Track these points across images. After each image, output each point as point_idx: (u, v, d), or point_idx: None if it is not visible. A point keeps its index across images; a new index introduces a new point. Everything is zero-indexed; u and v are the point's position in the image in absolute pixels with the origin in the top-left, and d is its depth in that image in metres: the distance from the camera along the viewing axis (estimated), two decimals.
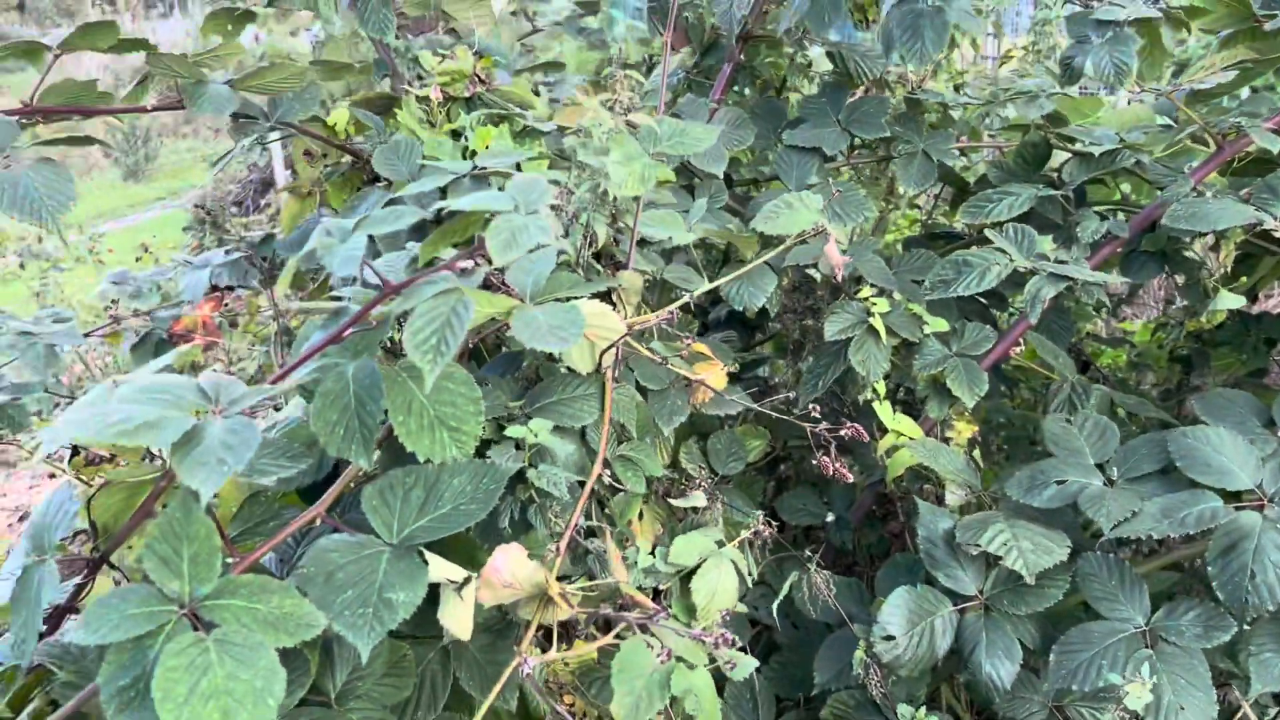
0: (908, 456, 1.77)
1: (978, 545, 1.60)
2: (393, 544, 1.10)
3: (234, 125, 1.64)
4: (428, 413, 1.13)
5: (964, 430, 1.87)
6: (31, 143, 1.52)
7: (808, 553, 1.73)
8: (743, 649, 1.83)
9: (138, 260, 4.00)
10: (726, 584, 1.22)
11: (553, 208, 1.29)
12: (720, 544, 1.27)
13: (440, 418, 1.13)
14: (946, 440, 1.86)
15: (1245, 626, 1.49)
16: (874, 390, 1.84)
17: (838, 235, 1.99)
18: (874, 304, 1.83)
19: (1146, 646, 1.52)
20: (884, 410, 1.82)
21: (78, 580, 1.15)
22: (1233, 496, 1.55)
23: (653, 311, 1.88)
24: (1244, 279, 2.06)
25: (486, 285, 1.33)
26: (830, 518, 1.96)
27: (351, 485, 1.24)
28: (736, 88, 2.13)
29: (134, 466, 1.18)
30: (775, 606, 1.67)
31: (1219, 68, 1.93)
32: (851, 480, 1.45)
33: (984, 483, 1.80)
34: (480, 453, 1.19)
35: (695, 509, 1.70)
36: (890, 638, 1.58)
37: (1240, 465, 1.57)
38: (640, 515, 1.72)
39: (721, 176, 1.93)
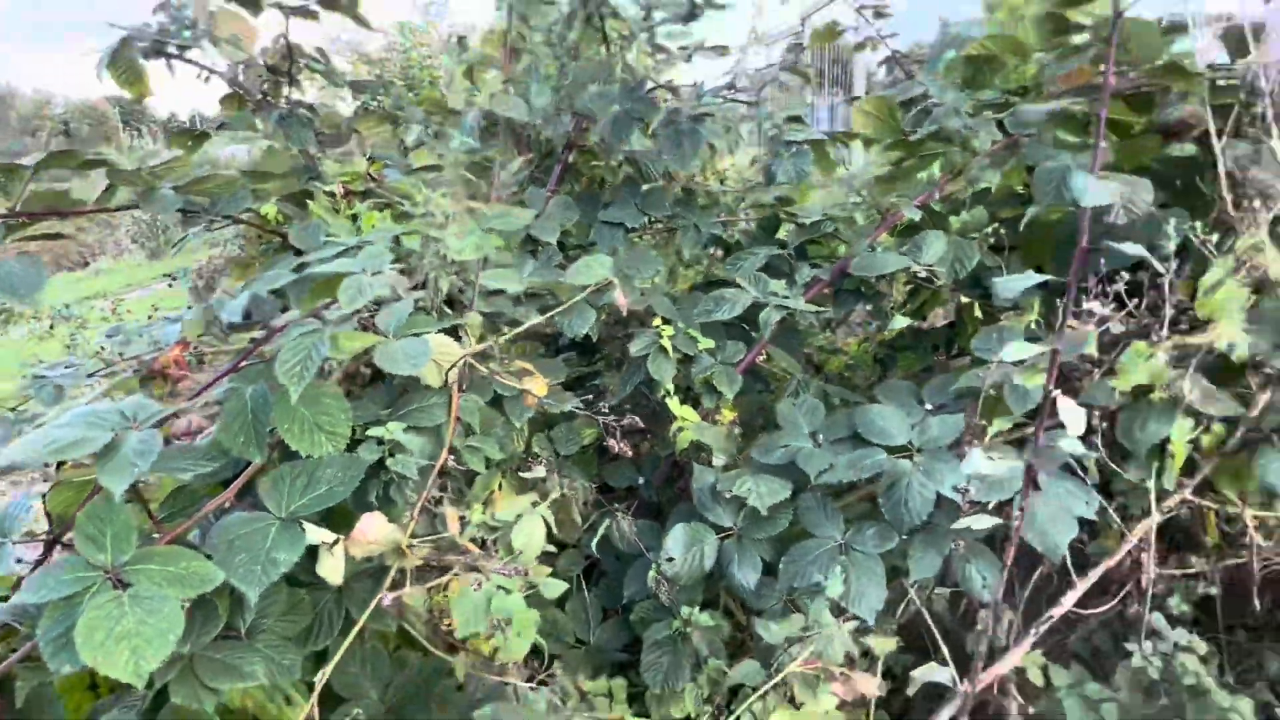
0: (689, 435, 1.82)
1: (731, 491, 1.65)
2: (281, 518, 1.08)
3: (183, 218, 1.58)
4: (308, 421, 1.11)
5: (727, 415, 1.92)
6: (13, 239, 1.44)
7: (616, 506, 1.75)
8: (575, 576, 1.85)
9: (149, 319, 3.79)
10: (538, 532, 1.22)
11: (403, 271, 1.29)
12: (535, 504, 1.27)
13: (318, 424, 1.12)
14: (715, 422, 1.91)
15: (904, 536, 1.58)
16: (666, 390, 1.88)
17: (642, 283, 2.04)
18: (663, 330, 1.88)
19: (842, 555, 1.59)
20: (673, 403, 1.86)
21: (38, 557, 1.08)
22: (894, 450, 1.64)
23: (510, 342, 1.89)
24: (909, 305, 2.18)
25: (365, 327, 1.32)
26: (641, 481, 1.99)
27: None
28: (567, 183, 2.16)
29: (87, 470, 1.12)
30: (594, 544, 1.69)
31: (886, 164, 2.05)
32: (631, 455, 1.48)
33: (741, 450, 1.85)
34: (352, 447, 1.18)
35: (540, 480, 1.71)
36: (671, 559, 1.62)
37: (898, 430, 1.66)
38: (500, 487, 1.72)
39: (555, 244, 1.94)
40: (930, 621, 1.67)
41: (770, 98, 2.18)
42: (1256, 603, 1.69)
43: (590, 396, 2.16)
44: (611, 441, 1.42)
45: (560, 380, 1.91)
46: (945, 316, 2.46)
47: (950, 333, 2.24)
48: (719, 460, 1.80)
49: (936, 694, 1.64)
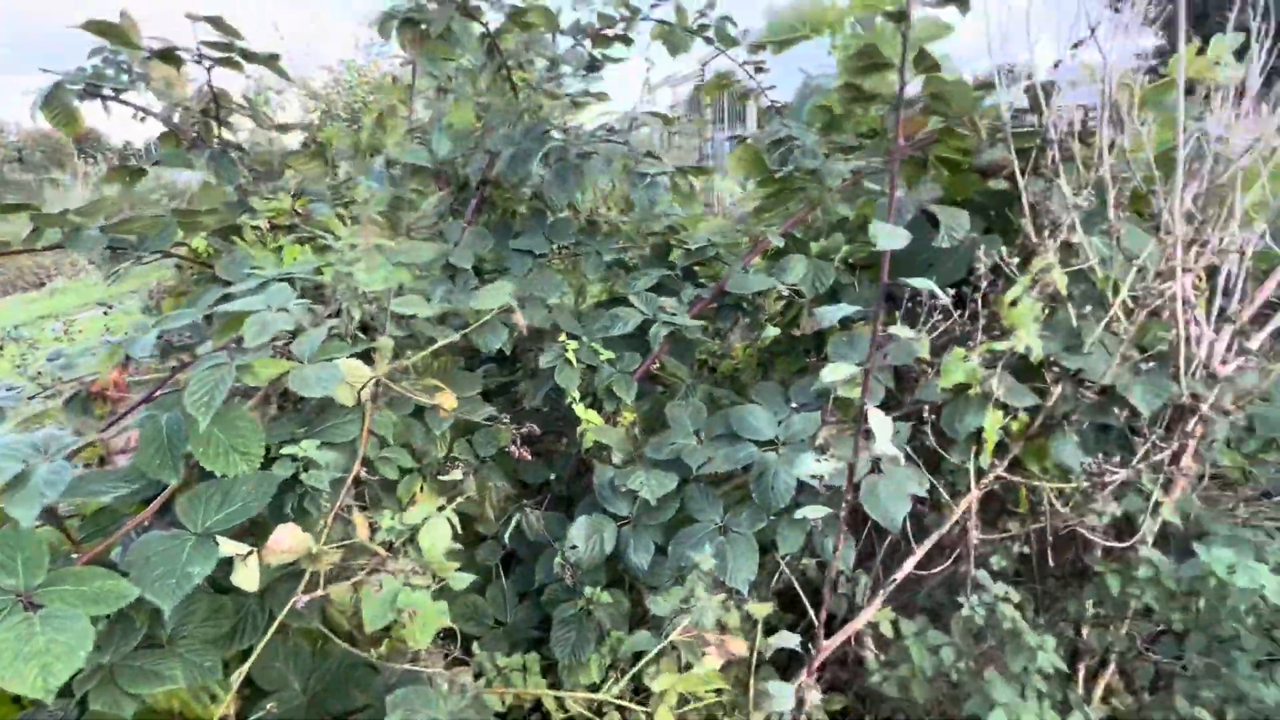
0: (592, 436, 1.83)
1: (626, 485, 1.67)
2: (197, 534, 1.04)
3: (111, 255, 1.49)
4: (222, 443, 1.07)
5: (627, 416, 1.94)
6: None
7: (527, 502, 1.75)
8: (494, 565, 1.83)
9: (102, 338, 3.55)
10: (443, 533, 1.21)
11: (320, 300, 1.26)
12: (442, 508, 1.26)
13: (233, 445, 1.08)
14: (617, 424, 1.92)
15: (773, 517, 1.63)
16: (572, 397, 1.88)
17: (554, 302, 2.04)
18: (568, 345, 1.89)
19: (721, 536, 1.63)
20: (579, 408, 1.86)
21: None
22: (763, 444, 1.69)
23: (432, 357, 1.86)
24: (783, 316, 2.25)
25: (284, 354, 1.28)
26: (554, 476, 1.99)
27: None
28: (483, 214, 2.14)
29: None
30: (507, 536, 1.69)
31: (758, 197, 2.11)
32: (529, 459, 1.48)
33: (639, 447, 1.88)
34: (269, 465, 1.15)
35: (458, 481, 1.69)
36: (575, 547, 1.63)
37: (766, 426, 1.72)
38: (422, 489, 1.70)
39: (471, 269, 1.93)
40: (800, 588, 1.74)
41: (677, 130, 2.21)
42: (1052, 558, 1.82)
43: (507, 403, 2.16)
44: (512, 448, 1.42)
45: (478, 390, 1.89)
46: (816, 324, 2.54)
47: (819, 339, 2.31)
48: (618, 457, 1.82)
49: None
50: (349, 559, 1.15)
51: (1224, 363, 1.60)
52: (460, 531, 1.26)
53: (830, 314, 1.12)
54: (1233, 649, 1.55)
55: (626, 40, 2.35)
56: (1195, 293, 1.64)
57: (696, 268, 2.19)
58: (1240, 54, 1.66)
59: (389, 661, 1.28)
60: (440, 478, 1.68)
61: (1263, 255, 1.65)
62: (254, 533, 1.17)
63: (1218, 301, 1.63)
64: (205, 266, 1.70)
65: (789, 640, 1.34)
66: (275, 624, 1.18)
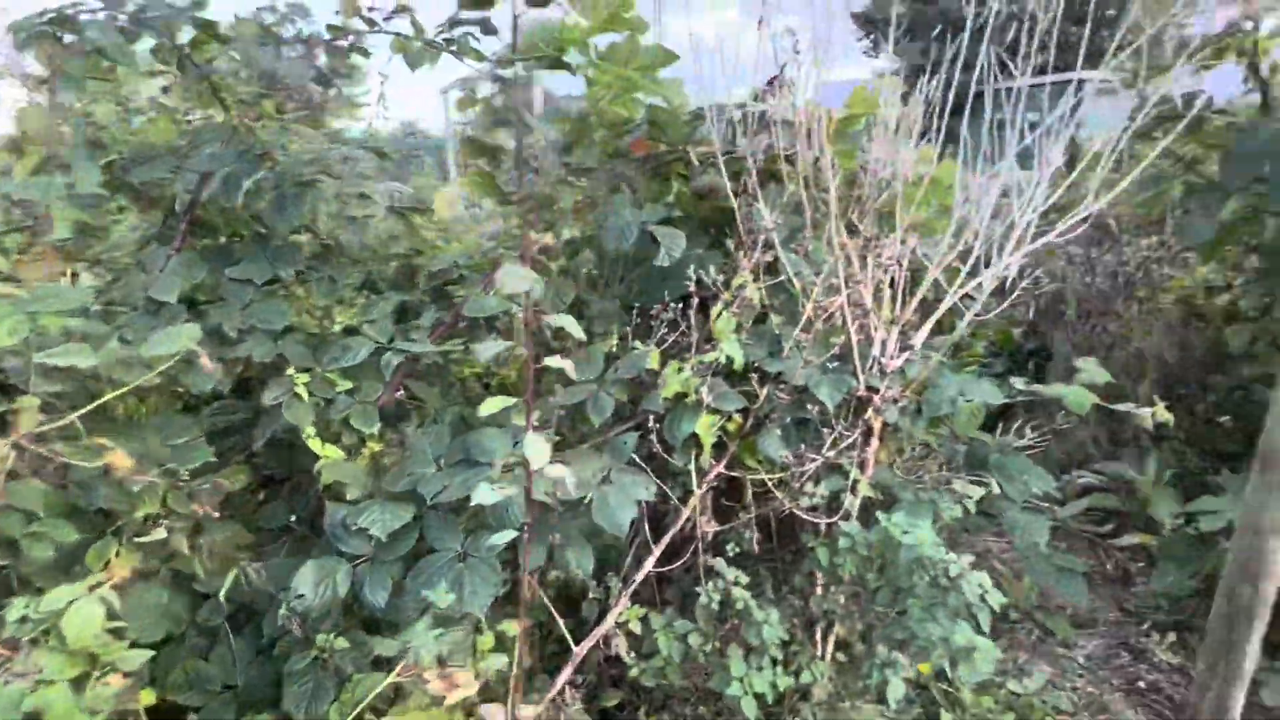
0: (328, 473, 1.74)
1: (358, 523, 1.61)
2: None
3: None
4: None
5: (373, 447, 1.87)
6: None
7: (243, 556, 1.63)
8: (219, 625, 1.68)
9: None
10: (93, 616, 1.08)
11: None
12: (93, 586, 1.13)
13: None
14: (360, 457, 1.85)
15: (519, 532, 1.65)
16: (308, 433, 1.78)
17: (304, 326, 1.91)
18: (298, 378, 1.78)
19: (461, 562, 1.63)
20: (315, 443, 1.77)
21: None
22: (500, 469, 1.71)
23: (139, 400, 1.66)
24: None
25: None
26: (294, 519, 1.87)
27: None
28: (205, 238, 1.95)
29: None
30: (223, 594, 1.56)
31: (500, 218, 2.12)
32: (218, 516, 1.38)
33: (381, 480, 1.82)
34: None
35: (162, 541, 1.54)
36: (301, 595, 1.55)
37: (501, 448, 1.74)
38: (118, 554, 1.52)
39: (175, 301, 1.75)
40: (549, 601, 1.78)
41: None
42: (784, 539, 2.04)
43: (246, 441, 1.99)
44: (196, 506, 1.32)
45: (198, 434, 1.73)
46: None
47: None
48: (355, 493, 1.74)
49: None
50: None
51: (892, 358, 1.87)
52: (151, 600, 1.14)
53: (485, 351, 1.16)
54: (909, 598, 1.82)
55: (363, 52, 2.25)
56: (874, 299, 1.90)
57: (450, 288, 2.16)
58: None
59: None
60: (139, 539, 1.52)
61: (923, 265, 1.95)
62: None
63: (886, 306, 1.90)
64: None
65: (499, 662, 1.37)
66: None
